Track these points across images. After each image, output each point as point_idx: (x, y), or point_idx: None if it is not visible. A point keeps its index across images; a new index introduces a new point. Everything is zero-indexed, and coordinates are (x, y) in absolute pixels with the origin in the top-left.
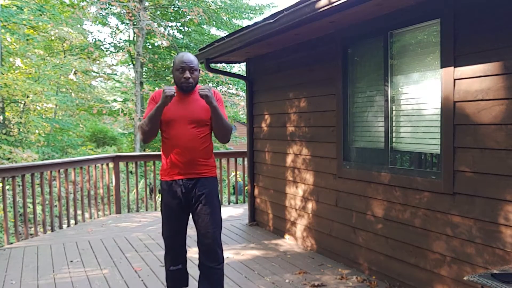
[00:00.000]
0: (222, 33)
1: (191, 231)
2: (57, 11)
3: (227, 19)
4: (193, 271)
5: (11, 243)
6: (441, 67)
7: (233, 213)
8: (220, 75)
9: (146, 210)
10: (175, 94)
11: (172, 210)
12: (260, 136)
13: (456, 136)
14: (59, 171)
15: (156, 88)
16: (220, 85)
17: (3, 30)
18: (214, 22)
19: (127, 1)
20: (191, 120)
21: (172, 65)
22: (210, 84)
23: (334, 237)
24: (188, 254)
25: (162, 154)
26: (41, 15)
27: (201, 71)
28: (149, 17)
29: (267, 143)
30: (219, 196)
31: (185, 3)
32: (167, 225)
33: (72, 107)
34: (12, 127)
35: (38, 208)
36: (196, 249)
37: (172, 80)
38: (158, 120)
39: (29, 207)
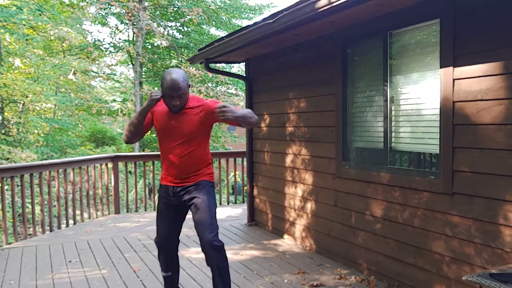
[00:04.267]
0: (222, 33)
1: (190, 231)
2: (56, 11)
3: (226, 19)
4: (193, 271)
5: (10, 243)
6: (441, 67)
7: (232, 213)
8: (220, 75)
9: (145, 210)
10: (160, 99)
11: (163, 213)
12: (260, 136)
13: (455, 136)
14: (58, 171)
15: (156, 88)
16: (220, 85)
17: (2, 30)
18: (213, 22)
19: (126, 1)
20: (178, 136)
21: (161, 82)
22: (209, 84)
23: (333, 237)
24: (188, 254)
25: (160, 157)
26: (40, 15)
27: (200, 71)
28: (148, 17)
29: (266, 143)
30: (215, 195)
31: (185, 3)
32: (158, 229)
33: (71, 107)
34: (11, 127)
35: (37, 208)
36: (195, 249)
37: None
38: (142, 122)
39: (27, 207)
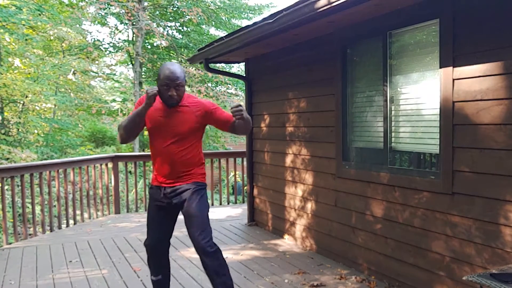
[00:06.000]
0: (221, 33)
1: None
2: (56, 11)
3: (226, 19)
4: (193, 271)
5: (10, 243)
6: (440, 67)
7: (232, 213)
8: (219, 75)
9: (145, 210)
10: (157, 94)
11: (154, 215)
12: (260, 136)
13: (455, 136)
14: (58, 171)
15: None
16: (219, 85)
17: (1, 30)
18: (213, 22)
19: (126, 1)
20: (172, 134)
21: (158, 75)
22: (209, 84)
23: (333, 237)
24: (188, 254)
25: (151, 158)
26: (40, 15)
27: (200, 71)
28: (148, 17)
29: (266, 143)
30: (207, 197)
31: (184, 3)
32: (149, 232)
33: (71, 107)
34: (11, 127)
35: (37, 208)
36: (194, 249)
37: None
38: (139, 123)
39: (28, 207)
